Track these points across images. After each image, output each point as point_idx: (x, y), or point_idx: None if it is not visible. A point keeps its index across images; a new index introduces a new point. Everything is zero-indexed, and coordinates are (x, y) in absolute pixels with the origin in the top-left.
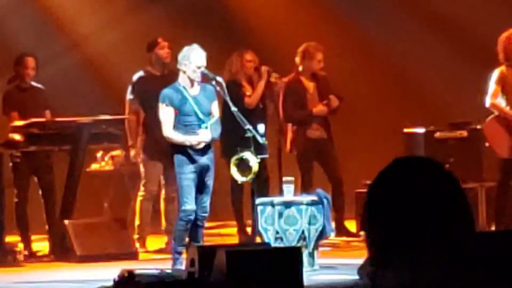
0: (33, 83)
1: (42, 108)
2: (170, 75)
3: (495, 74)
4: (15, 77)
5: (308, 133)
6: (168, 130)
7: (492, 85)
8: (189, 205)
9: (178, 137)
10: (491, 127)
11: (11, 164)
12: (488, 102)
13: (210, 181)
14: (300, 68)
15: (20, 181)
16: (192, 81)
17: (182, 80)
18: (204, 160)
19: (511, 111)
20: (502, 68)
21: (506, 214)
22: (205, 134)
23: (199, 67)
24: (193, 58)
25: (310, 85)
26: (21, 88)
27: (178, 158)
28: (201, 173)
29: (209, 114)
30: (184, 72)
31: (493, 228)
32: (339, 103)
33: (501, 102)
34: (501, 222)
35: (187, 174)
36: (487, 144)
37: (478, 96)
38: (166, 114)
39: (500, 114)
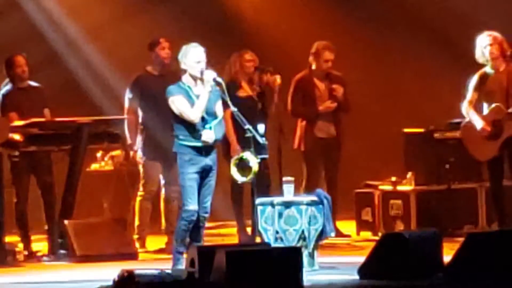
0: (31, 83)
1: (40, 107)
2: (169, 75)
3: None
4: (9, 80)
5: (316, 131)
6: (191, 113)
7: None
8: (192, 205)
9: (197, 110)
10: (466, 132)
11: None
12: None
13: (212, 181)
14: (313, 67)
15: (19, 181)
16: (195, 80)
17: (185, 79)
18: (207, 161)
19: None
20: None
21: (507, 214)
22: (208, 135)
23: (198, 62)
24: (190, 54)
25: (321, 84)
26: (19, 88)
27: (182, 158)
28: (204, 173)
29: (213, 114)
30: (186, 70)
31: (494, 228)
32: (344, 93)
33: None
34: (504, 222)
35: (190, 174)
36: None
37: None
38: (179, 101)
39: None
